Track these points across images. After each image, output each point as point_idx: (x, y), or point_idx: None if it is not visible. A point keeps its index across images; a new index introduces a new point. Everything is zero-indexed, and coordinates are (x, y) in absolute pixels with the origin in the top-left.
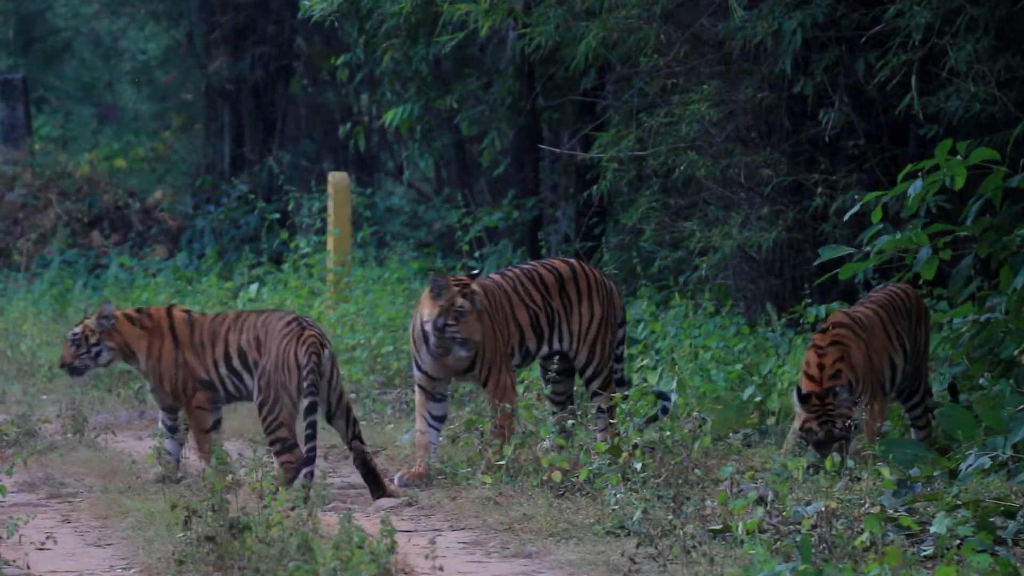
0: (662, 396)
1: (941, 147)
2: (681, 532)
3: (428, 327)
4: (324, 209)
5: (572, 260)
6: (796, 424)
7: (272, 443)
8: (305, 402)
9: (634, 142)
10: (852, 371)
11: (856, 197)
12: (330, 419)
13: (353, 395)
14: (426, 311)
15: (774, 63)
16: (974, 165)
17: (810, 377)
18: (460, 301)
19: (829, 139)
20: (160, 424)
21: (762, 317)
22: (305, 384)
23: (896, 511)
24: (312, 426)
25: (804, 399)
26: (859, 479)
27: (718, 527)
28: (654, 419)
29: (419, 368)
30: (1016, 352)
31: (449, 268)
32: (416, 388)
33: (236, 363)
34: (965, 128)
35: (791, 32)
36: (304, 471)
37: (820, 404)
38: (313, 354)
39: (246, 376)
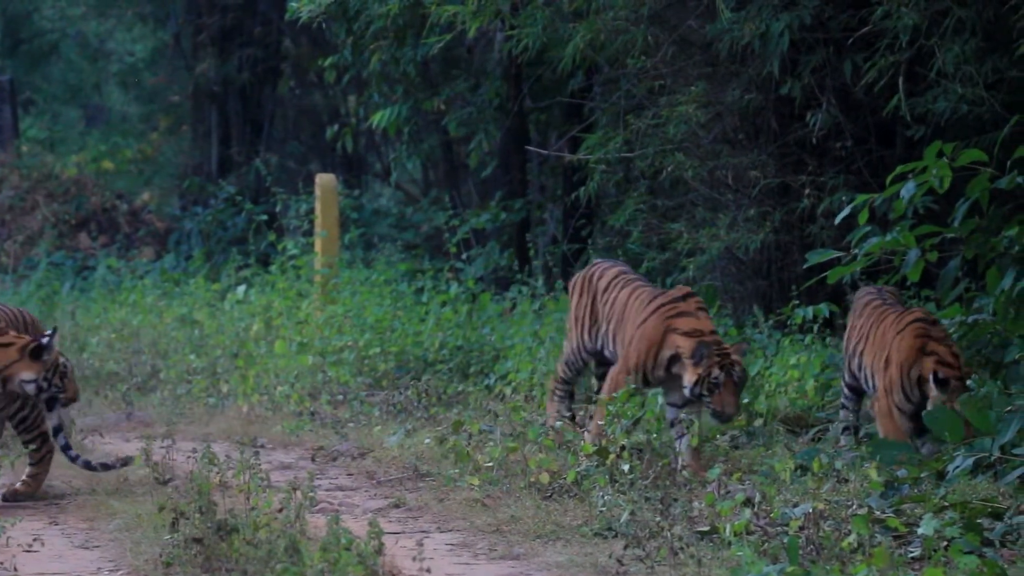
0: None
1: (930, 149)
2: (669, 534)
3: (687, 391)
4: (312, 211)
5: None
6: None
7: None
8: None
9: (621, 144)
10: None
11: (844, 199)
12: None
13: (340, 397)
14: (688, 376)
15: (761, 65)
16: (961, 166)
17: (948, 364)
18: (715, 372)
19: (816, 141)
20: None
21: (749, 318)
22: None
23: (883, 512)
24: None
25: (943, 384)
26: (846, 480)
27: (706, 529)
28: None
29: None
30: (1017, 356)
31: (437, 270)
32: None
33: None
34: (952, 129)
35: (778, 34)
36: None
37: (962, 385)
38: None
39: None
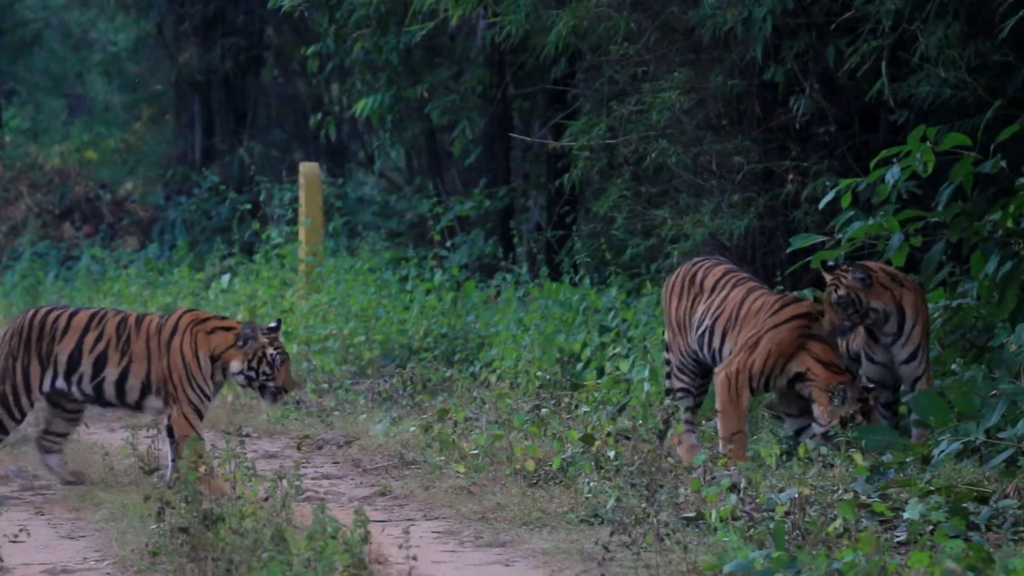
0: None
1: (914, 133)
2: (655, 520)
3: (817, 427)
4: (295, 199)
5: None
6: None
7: None
8: None
9: (605, 130)
10: None
11: (827, 184)
12: None
13: (325, 385)
14: (823, 414)
15: (744, 50)
16: (945, 151)
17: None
18: (856, 415)
19: (800, 126)
20: None
21: None
22: None
23: (869, 497)
24: None
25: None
26: (832, 466)
27: (691, 515)
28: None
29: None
30: (1003, 340)
31: (421, 258)
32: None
33: None
34: (936, 114)
35: (761, 19)
36: None
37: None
38: None
39: None
